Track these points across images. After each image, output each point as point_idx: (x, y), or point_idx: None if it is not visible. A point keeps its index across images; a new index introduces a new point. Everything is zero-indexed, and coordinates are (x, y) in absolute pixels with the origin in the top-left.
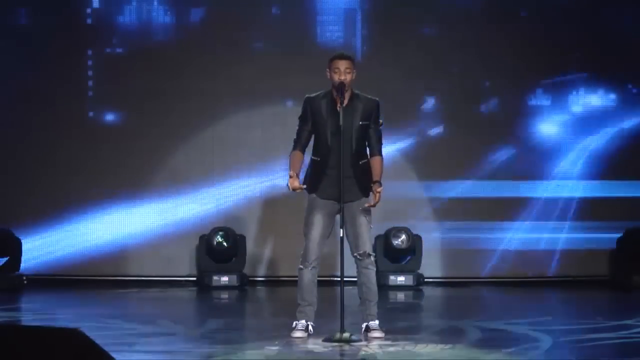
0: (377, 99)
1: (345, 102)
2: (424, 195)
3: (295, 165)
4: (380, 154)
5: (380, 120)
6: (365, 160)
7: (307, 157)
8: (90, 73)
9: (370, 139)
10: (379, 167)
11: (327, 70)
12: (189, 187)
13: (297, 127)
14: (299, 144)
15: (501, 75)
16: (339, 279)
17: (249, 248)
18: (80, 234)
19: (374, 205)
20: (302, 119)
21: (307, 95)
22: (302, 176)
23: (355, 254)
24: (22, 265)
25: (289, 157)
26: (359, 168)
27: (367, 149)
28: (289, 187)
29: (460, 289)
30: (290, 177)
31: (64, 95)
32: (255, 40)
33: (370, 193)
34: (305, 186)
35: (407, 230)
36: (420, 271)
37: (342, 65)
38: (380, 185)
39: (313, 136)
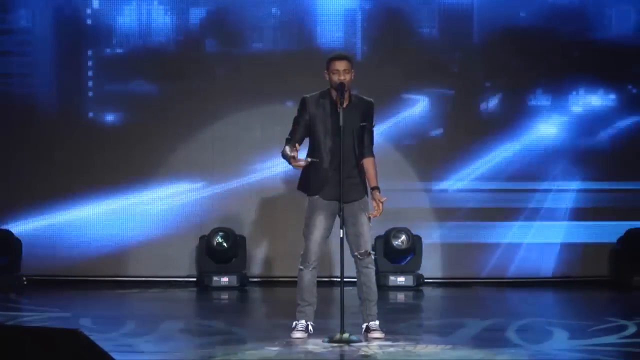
0: (372, 99)
1: (345, 102)
2: (424, 195)
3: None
4: (373, 155)
5: (374, 122)
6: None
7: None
8: (90, 73)
9: (364, 140)
10: (374, 170)
11: (326, 71)
12: (189, 187)
13: (291, 127)
14: (292, 142)
15: (501, 75)
16: (339, 279)
17: (249, 249)
18: (80, 234)
19: (378, 215)
20: (298, 119)
21: (304, 96)
22: (299, 177)
23: (356, 253)
24: (22, 265)
25: (282, 152)
26: (360, 168)
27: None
28: (292, 163)
29: (460, 289)
30: (292, 156)
31: (64, 95)
32: (255, 40)
33: (372, 200)
34: (309, 159)
35: (407, 231)
36: (420, 272)
37: (341, 65)
38: (380, 191)
39: (308, 137)
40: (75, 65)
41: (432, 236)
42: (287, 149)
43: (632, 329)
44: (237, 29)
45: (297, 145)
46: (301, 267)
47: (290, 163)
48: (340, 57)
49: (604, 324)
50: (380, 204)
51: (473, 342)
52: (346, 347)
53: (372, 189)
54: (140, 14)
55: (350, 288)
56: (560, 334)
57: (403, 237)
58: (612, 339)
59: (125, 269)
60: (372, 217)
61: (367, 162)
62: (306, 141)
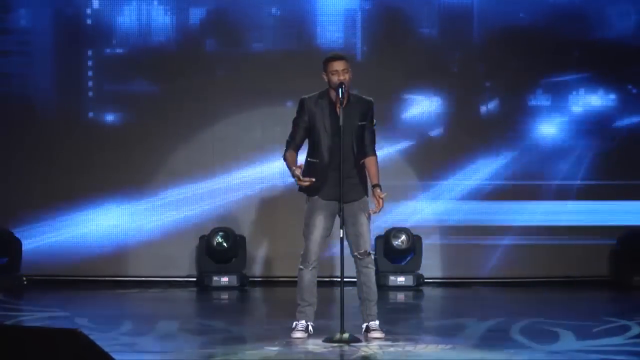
0: (372, 99)
1: (344, 102)
2: (424, 195)
3: (294, 163)
4: (375, 154)
5: (375, 121)
6: (364, 160)
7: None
8: (90, 73)
9: (365, 139)
10: (376, 168)
11: (324, 72)
12: (189, 187)
13: (291, 129)
14: (293, 145)
15: (501, 75)
16: (339, 279)
17: (249, 249)
18: (80, 234)
19: (378, 211)
20: (298, 120)
21: (302, 97)
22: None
23: (355, 253)
24: (22, 265)
25: (284, 159)
26: (359, 168)
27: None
28: (297, 182)
29: (460, 289)
30: (297, 176)
31: (64, 95)
32: (255, 40)
33: (372, 197)
34: (314, 179)
35: (407, 231)
36: (420, 271)
37: (340, 65)
38: (381, 188)
39: (308, 138)
40: (75, 65)
41: (432, 236)
42: (290, 162)
43: (636, 330)
44: (237, 29)
45: (299, 167)
46: (301, 267)
47: (293, 177)
48: (338, 57)
49: (606, 324)
50: (381, 201)
51: (473, 342)
52: (346, 347)
53: (373, 186)
54: (140, 13)
55: (350, 288)
56: (566, 335)
57: (403, 237)
58: (619, 339)
59: (125, 269)
60: (372, 213)
61: (369, 161)
62: (306, 142)
